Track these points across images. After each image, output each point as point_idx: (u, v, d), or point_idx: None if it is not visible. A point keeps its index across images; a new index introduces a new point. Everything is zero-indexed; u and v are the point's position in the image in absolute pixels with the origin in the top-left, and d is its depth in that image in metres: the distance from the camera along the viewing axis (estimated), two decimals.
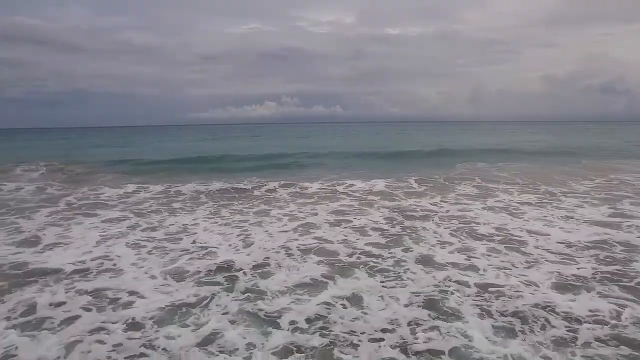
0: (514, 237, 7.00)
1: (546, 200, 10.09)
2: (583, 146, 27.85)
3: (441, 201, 10.10)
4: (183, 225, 8.27)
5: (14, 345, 3.90)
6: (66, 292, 5.11)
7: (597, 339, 3.86)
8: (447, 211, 9.01)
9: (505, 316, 4.31)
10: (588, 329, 4.05)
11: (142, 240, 7.16)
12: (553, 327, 4.08)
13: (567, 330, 4.01)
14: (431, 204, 9.78)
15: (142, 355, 3.73)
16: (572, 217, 8.36)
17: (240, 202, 10.62)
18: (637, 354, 3.66)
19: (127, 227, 8.09)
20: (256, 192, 11.79)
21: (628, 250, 6.46)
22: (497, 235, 7.10)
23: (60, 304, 4.80)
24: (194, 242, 7.06)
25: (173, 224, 8.37)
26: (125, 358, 3.69)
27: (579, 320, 4.22)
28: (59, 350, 3.80)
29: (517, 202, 9.90)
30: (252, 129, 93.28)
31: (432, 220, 8.18)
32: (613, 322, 4.20)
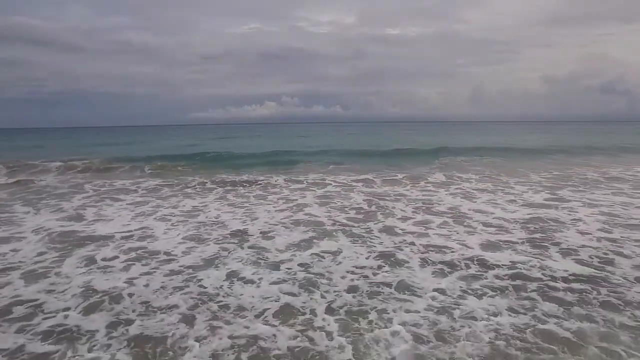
0: (463, 214, 8.59)
1: (500, 188, 11.70)
2: (568, 144, 28.52)
3: (412, 188, 11.69)
4: (196, 206, 9.77)
5: (90, 279, 5.40)
6: (115, 251, 6.60)
7: (497, 277, 5.43)
8: (416, 195, 10.60)
9: (440, 264, 5.87)
10: (495, 270, 5.62)
11: (166, 216, 8.67)
12: (470, 270, 5.65)
13: (478, 272, 5.57)
14: (404, 190, 11.38)
15: (185, 287, 5.22)
16: (515, 201, 9.96)
17: (243, 189, 12.13)
18: (524, 282, 5.21)
19: (152, 207, 9.58)
20: (256, 180, 13.30)
21: (554, 224, 8.01)
22: (450, 213, 8.68)
23: (114, 258, 6.28)
24: (206, 217, 8.58)
25: (185, 205, 9.87)
26: (173, 287, 5.19)
27: (491, 267, 5.78)
28: (124, 283, 5.30)
29: (475, 189, 11.51)
30: (252, 129, 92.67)
31: (401, 202, 9.76)
32: (518, 267, 5.76)
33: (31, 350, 3.83)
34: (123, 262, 6.12)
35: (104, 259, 6.26)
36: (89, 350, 3.80)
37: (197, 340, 3.93)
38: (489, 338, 3.92)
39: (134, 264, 5.98)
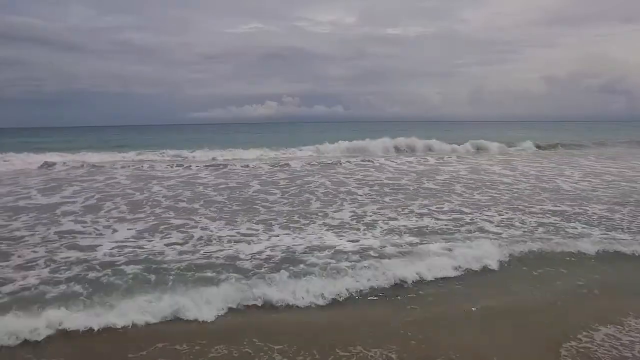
0: (385, 168, 12.90)
1: (418, 159, 16.06)
2: (524, 138, 26.01)
3: (361, 159, 16.02)
4: (220, 169, 13.53)
5: (172, 191, 9.14)
6: (178, 181, 10.29)
7: (390, 188, 9.68)
8: (359, 162, 14.91)
9: (365, 186, 10.01)
10: (389, 186, 9.84)
11: (202, 169, 12.44)
12: (377, 187, 9.85)
13: (381, 187, 9.76)
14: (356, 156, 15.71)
15: (236, 193, 9.03)
16: (416, 164, 14.41)
17: (247, 165, 15.98)
18: (404, 189, 9.46)
19: (187, 167, 13.28)
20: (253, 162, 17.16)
21: (436, 173, 12.38)
22: (377, 167, 13.01)
23: (174, 186, 9.98)
24: (228, 170, 12.41)
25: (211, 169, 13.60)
26: (229, 197, 9.00)
27: (387, 185, 9.96)
28: (190, 195, 9.05)
29: (403, 158, 15.90)
30: (254, 127, 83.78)
31: (352, 164, 14.05)
32: (403, 185, 9.99)
33: (172, 218, 7.60)
34: (185, 185, 9.87)
35: (174, 184, 9.97)
36: (207, 217, 7.62)
37: (258, 214, 7.81)
38: (391, 212, 8.13)
39: (196, 187, 9.76)
